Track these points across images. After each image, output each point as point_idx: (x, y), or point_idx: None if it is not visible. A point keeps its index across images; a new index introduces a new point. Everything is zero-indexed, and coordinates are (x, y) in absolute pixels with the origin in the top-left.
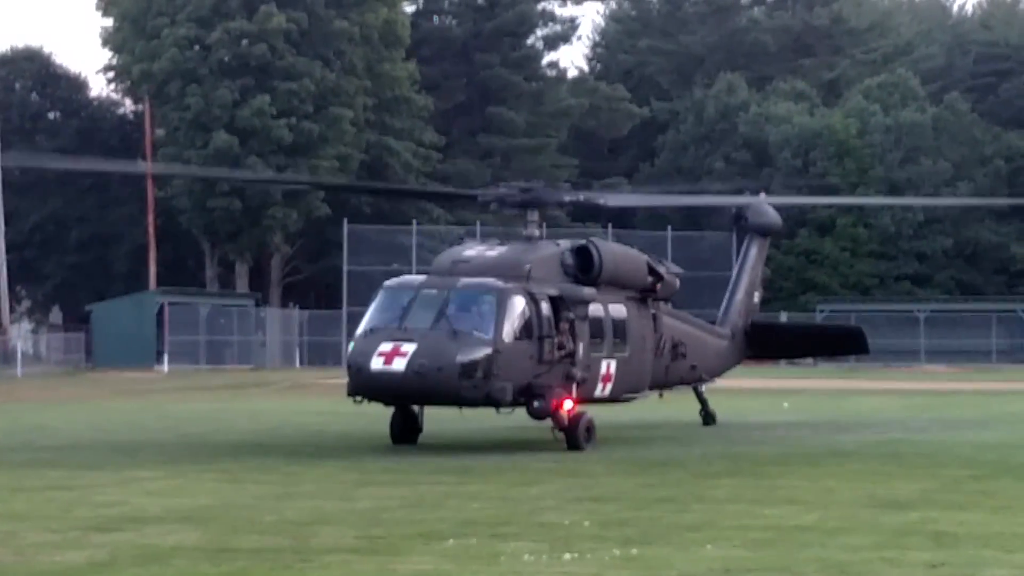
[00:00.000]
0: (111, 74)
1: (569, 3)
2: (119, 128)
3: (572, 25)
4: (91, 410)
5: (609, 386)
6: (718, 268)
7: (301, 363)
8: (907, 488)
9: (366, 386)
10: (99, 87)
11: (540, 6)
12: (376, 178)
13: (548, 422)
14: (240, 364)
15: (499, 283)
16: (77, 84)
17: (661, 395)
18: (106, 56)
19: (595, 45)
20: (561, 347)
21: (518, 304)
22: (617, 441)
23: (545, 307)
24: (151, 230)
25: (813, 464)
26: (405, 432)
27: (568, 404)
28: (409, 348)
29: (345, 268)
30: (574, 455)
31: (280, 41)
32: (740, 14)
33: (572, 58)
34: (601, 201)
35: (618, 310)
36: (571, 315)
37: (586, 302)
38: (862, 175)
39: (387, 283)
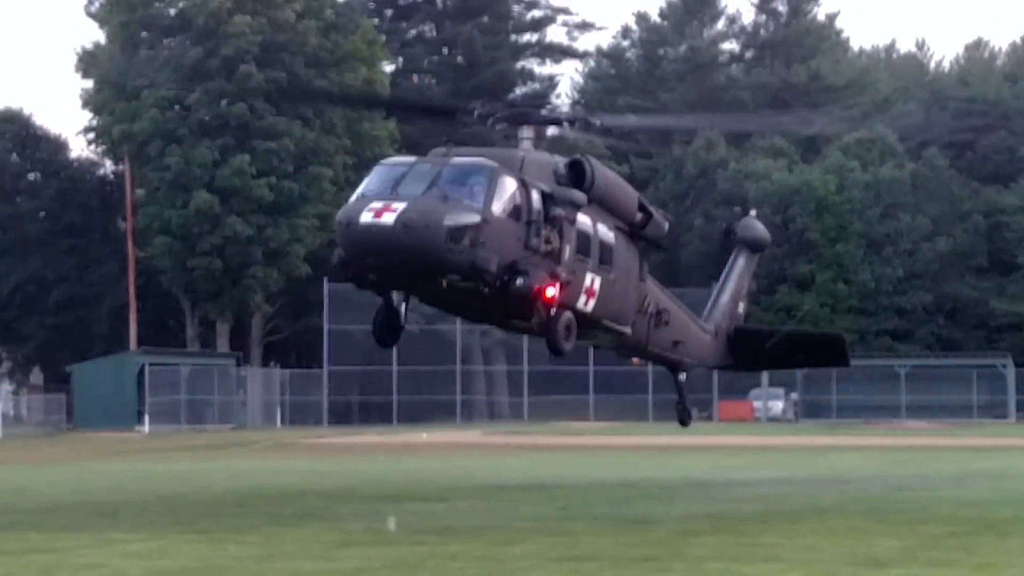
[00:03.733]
0: (91, 135)
1: (548, 61)
2: (99, 189)
3: (551, 83)
4: (72, 471)
5: (592, 303)
6: None
7: (282, 422)
8: (888, 545)
9: (354, 242)
10: (79, 148)
11: (519, 65)
12: None
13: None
14: (221, 424)
15: (493, 162)
16: (57, 145)
17: (642, 364)
18: (86, 117)
19: (574, 103)
20: (548, 241)
21: (509, 184)
22: (598, 498)
23: (536, 197)
24: (132, 290)
25: (794, 521)
26: (388, 330)
27: (551, 292)
28: (399, 206)
29: (326, 327)
30: (556, 518)
31: (260, 100)
32: (718, 71)
33: None
34: (597, 122)
35: (606, 234)
36: (560, 212)
37: (576, 205)
38: (841, 231)
39: (382, 160)
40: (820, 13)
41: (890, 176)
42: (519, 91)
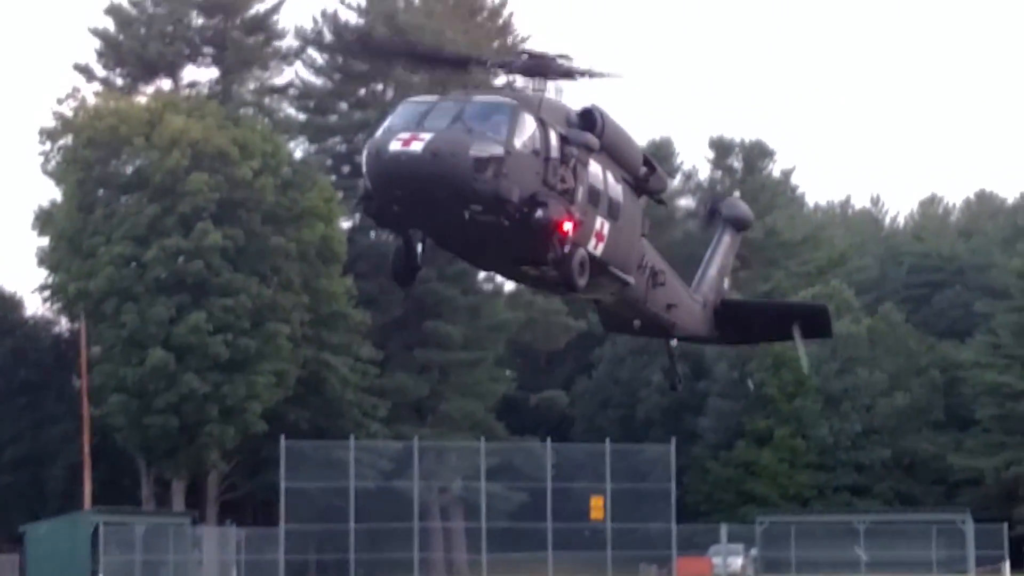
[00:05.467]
0: (47, 293)
1: None
2: (54, 346)
3: None
4: None
5: (601, 246)
6: (656, 480)
7: None
8: None
9: (383, 170)
10: (34, 306)
11: None
12: (313, 393)
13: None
14: None
15: (513, 100)
16: (12, 303)
17: (638, 325)
18: (42, 275)
19: None
20: (563, 180)
21: (529, 121)
22: None
23: (553, 136)
24: (86, 448)
25: None
26: (406, 269)
27: (567, 226)
28: (427, 136)
29: (283, 484)
30: None
31: (217, 258)
32: (675, 227)
33: None
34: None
35: (614, 184)
36: (574, 154)
37: (589, 148)
38: (799, 386)
39: (405, 100)
40: (775, 169)
41: (847, 331)
42: None
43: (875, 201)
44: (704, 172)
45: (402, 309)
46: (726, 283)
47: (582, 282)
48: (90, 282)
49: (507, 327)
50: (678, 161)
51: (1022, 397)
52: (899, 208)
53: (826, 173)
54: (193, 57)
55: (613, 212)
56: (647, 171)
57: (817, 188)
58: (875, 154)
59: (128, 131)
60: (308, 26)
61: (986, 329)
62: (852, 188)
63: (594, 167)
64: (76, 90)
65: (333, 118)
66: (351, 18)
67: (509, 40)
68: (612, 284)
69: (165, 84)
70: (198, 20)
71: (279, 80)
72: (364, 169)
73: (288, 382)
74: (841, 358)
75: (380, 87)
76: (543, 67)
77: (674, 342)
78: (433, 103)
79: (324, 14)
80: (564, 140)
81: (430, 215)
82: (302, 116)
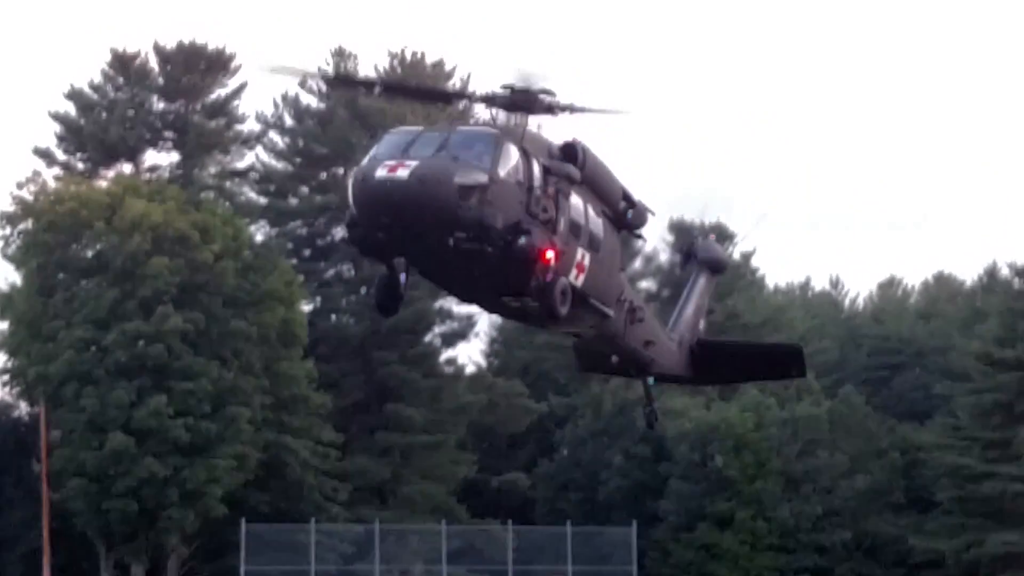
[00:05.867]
0: (6, 377)
1: None
2: (13, 431)
3: (469, 322)
4: None
5: (581, 278)
6: (618, 563)
7: None
8: None
9: (369, 197)
10: None
11: (437, 304)
12: (274, 477)
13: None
14: None
15: (496, 130)
16: None
17: (616, 362)
18: (1, 360)
19: (492, 341)
20: (545, 210)
21: (513, 151)
22: None
23: (536, 166)
24: (45, 534)
25: None
26: (390, 298)
27: (550, 254)
28: (412, 163)
29: (243, 569)
30: None
31: (177, 342)
32: None
33: (470, 354)
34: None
35: (594, 218)
36: (556, 185)
37: (571, 180)
38: (760, 468)
39: (390, 130)
40: (735, 251)
41: (807, 413)
42: (437, 330)
43: (834, 283)
44: (664, 255)
45: (363, 392)
46: (702, 324)
47: (563, 310)
48: (50, 366)
49: (468, 410)
50: (638, 244)
51: (982, 479)
52: (858, 290)
53: (786, 255)
54: (154, 141)
55: (594, 244)
56: (626, 206)
57: (777, 270)
58: (834, 236)
59: (89, 215)
60: (269, 110)
61: (946, 411)
62: (812, 270)
63: (575, 199)
64: (36, 174)
65: (294, 201)
66: (311, 102)
67: (471, 123)
68: (592, 316)
69: (126, 168)
70: (159, 105)
71: (240, 164)
72: (351, 196)
73: (249, 466)
74: (802, 440)
75: (341, 171)
76: (526, 102)
77: (651, 380)
78: (418, 133)
79: (285, 98)
80: (546, 171)
81: (415, 242)
82: (263, 200)
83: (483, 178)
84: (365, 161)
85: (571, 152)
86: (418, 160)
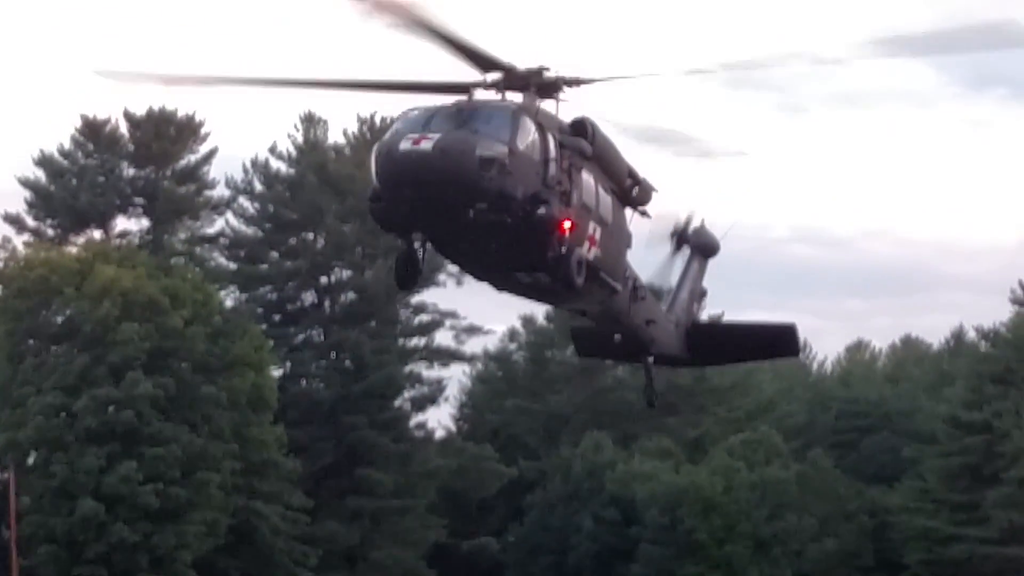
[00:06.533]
0: None
1: (436, 365)
2: None
3: (439, 386)
4: None
5: (593, 251)
6: None
7: None
8: None
9: (394, 169)
10: None
11: (407, 368)
12: (244, 542)
13: None
14: None
15: (514, 105)
16: None
17: (617, 340)
18: None
19: (462, 405)
20: (560, 182)
21: (530, 126)
22: None
23: (551, 140)
24: None
25: None
26: (409, 273)
27: (567, 224)
28: (435, 135)
29: None
30: None
31: (147, 407)
32: (605, 373)
33: (440, 418)
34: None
35: (604, 194)
36: (570, 159)
37: (583, 154)
38: (729, 532)
39: (406, 110)
40: (703, 315)
41: (776, 476)
42: (407, 394)
43: (802, 347)
44: None
45: (333, 457)
46: (696, 307)
47: (580, 281)
48: (19, 432)
49: (438, 474)
50: None
51: (951, 542)
52: (826, 353)
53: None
54: (124, 207)
55: (604, 219)
56: (632, 183)
57: None
58: (802, 299)
59: (59, 281)
60: (239, 176)
61: (914, 474)
62: None
63: (586, 175)
64: (7, 240)
65: (264, 267)
66: (281, 167)
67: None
68: (601, 291)
69: (96, 234)
70: (129, 171)
71: (210, 229)
72: (374, 170)
73: (219, 531)
74: (771, 503)
75: (311, 236)
76: (527, 81)
77: (651, 359)
78: (436, 109)
79: (254, 163)
80: (561, 145)
81: (436, 214)
82: (233, 265)
83: (503, 150)
84: (387, 136)
85: (581, 128)
86: (440, 133)
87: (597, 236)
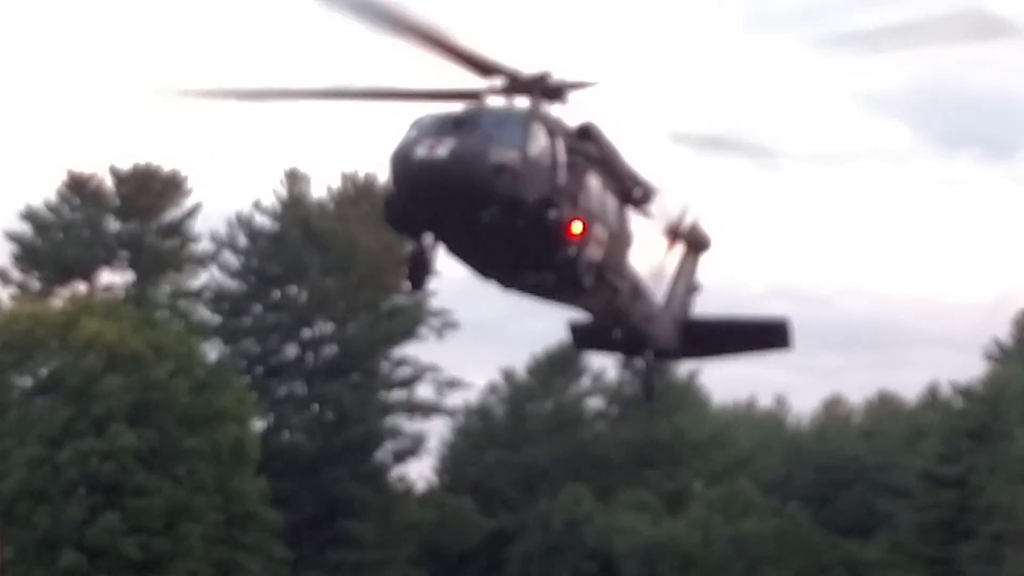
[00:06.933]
0: None
1: (417, 418)
2: None
3: (420, 439)
4: None
5: (600, 252)
6: None
7: None
8: None
9: (410, 174)
10: None
11: (388, 421)
12: None
13: None
14: None
15: (525, 111)
16: None
17: (616, 335)
18: None
19: (443, 458)
20: (570, 186)
21: (541, 131)
22: None
23: (560, 144)
24: None
25: None
26: (422, 272)
27: (578, 226)
28: (451, 142)
29: None
30: None
31: (130, 459)
32: (584, 427)
33: (421, 471)
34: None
35: (610, 197)
36: (578, 162)
37: (590, 158)
38: None
39: (418, 117)
40: (681, 370)
41: (754, 530)
42: (388, 447)
43: (779, 401)
44: (612, 373)
45: (315, 509)
46: (690, 301)
47: (589, 281)
48: (2, 484)
49: (419, 526)
50: (586, 362)
51: None
52: (802, 408)
53: (730, 373)
54: (109, 260)
55: (609, 221)
56: (634, 184)
57: (722, 388)
58: (778, 355)
59: (43, 334)
60: (222, 230)
61: (890, 528)
62: (756, 388)
63: (593, 178)
64: None
65: (247, 320)
66: (265, 222)
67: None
68: (606, 290)
69: (81, 287)
70: (114, 225)
71: (194, 283)
72: (390, 175)
73: None
74: (748, 557)
75: (294, 290)
76: (533, 87)
77: (650, 354)
78: (449, 115)
79: (239, 218)
80: (570, 150)
81: (449, 217)
82: (217, 318)
83: (516, 156)
84: (401, 143)
85: (587, 133)
86: (455, 140)
87: (603, 238)
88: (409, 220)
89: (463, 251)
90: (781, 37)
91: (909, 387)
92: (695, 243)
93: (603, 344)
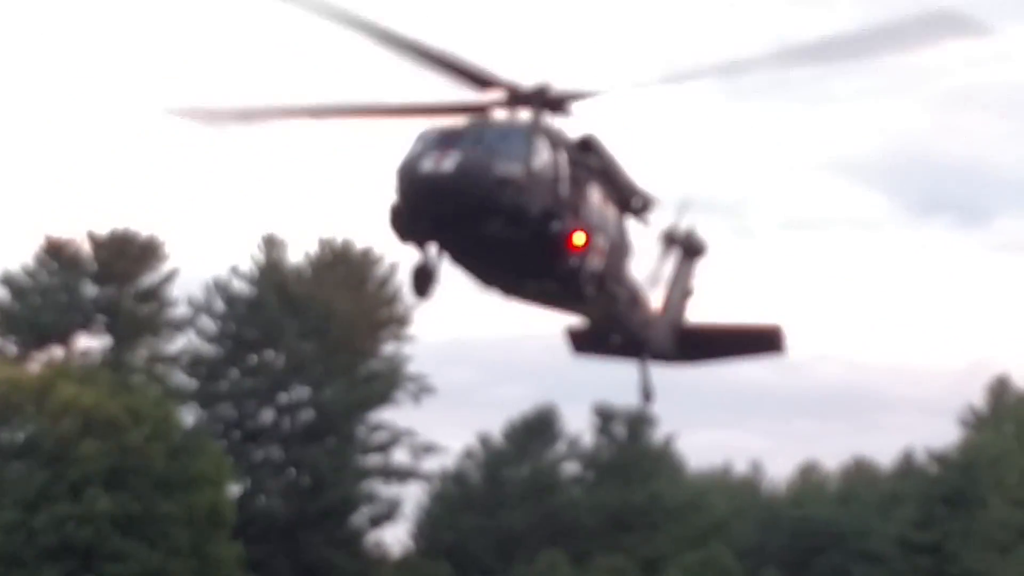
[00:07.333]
0: None
1: (393, 482)
2: None
3: (395, 504)
4: None
5: (601, 261)
6: None
7: None
8: None
9: (417, 187)
10: None
11: (364, 486)
12: None
13: None
14: None
15: (528, 124)
16: None
17: (614, 341)
18: None
19: (419, 523)
20: (572, 197)
21: (544, 144)
22: None
23: (563, 157)
24: None
25: None
26: (427, 282)
27: (580, 237)
28: (455, 155)
29: None
30: None
31: (106, 524)
32: (560, 492)
33: (397, 535)
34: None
35: (610, 208)
36: (580, 174)
37: (592, 170)
38: None
39: (422, 131)
40: (658, 435)
41: None
42: (364, 511)
43: (755, 467)
44: (588, 439)
45: (291, 574)
46: (686, 306)
47: (590, 291)
48: None
49: None
50: (562, 426)
51: None
52: (778, 473)
53: (706, 439)
54: (86, 325)
55: (610, 231)
56: (633, 194)
57: (697, 453)
58: (754, 420)
59: (20, 398)
60: (199, 295)
61: None
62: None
63: (594, 189)
64: None
65: (224, 385)
66: (242, 287)
67: (400, 308)
68: (606, 299)
69: (57, 352)
70: (91, 289)
71: (171, 348)
72: (397, 187)
73: None
74: None
75: (271, 354)
76: (534, 99)
77: (647, 358)
78: (455, 129)
79: (216, 283)
80: (572, 162)
81: (454, 228)
82: (193, 383)
83: (520, 169)
84: (407, 156)
85: (587, 145)
86: (460, 153)
87: (604, 248)
88: (414, 230)
89: (467, 261)
90: (757, 105)
91: (884, 452)
92: (691, 248)
93: (600, 350)
